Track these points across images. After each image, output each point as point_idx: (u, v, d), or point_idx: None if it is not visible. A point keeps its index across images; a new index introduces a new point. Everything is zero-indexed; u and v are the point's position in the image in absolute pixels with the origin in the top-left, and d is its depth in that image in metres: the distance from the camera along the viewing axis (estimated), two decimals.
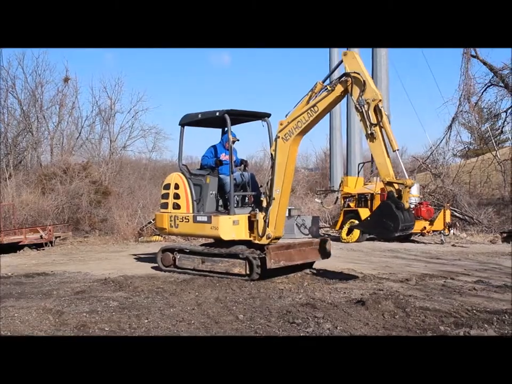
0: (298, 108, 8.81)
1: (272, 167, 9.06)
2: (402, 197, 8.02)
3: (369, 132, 8.23)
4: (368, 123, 8.21)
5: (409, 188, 8.23)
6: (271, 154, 9.09)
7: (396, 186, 8.15)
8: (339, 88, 8.49)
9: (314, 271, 9.94)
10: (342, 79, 8.46)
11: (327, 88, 8.58)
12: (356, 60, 8.50)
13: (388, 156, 8.31)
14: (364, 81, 8.26)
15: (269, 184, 9.09)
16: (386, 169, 8.25)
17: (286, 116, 8.88)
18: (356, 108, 8.35)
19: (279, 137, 8.89)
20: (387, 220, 8.09)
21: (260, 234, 9.13)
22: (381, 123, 8.19)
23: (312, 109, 8.62)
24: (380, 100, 8.27)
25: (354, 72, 8.34)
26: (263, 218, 9.09)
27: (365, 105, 8.20)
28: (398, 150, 8.31)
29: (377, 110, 8.23)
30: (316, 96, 8.67)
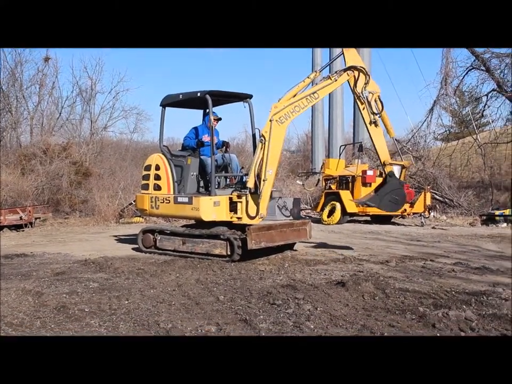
0: (291, 93, 9.30)
1: (264, 148, 9.11)
2: (400, 176, 9.49)
3: (372, 120, 9.56)
4: (371, 112, 9.53)
5: (407, 168, 9.55)
6: (262, 136, 9.15)
7: (390, 168, 9.69)
8: (343, 79, 9.57)
9: (295, 253, 9.97)
10: (348, 71, 9.53)
11: (329, 77, 9.51)
12: (357, 56, 9.70)
13: (384, 142, 9.75)
14: (368, 75, 9.58)
15: (256, 165, 9.15)
16: (386, 153, 9.88)
17: (279, 100, 9.22)
18: (359, 98, 9.55)
19: (273, 120, 9.08)
20: (394, 195, 9.61)
21: (252, 215, 9.22)
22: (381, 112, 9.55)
23: (312, 95, 9.37)
24: (379, 93, 9.59)
25: (360, 66, 9.55)
26: (258, 199, 9.16)
27: (368, 96, 9.48)
28: (394, 136, 10.04)
29: (377, 101, 9.57)
30: (313, 84, 9.57)
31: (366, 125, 9.76)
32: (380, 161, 10.03)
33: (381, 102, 9.61)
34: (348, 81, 9.66)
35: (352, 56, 9.64)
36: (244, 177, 9.82)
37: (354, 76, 9.57)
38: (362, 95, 9.50)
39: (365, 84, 9.52)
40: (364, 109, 9.60)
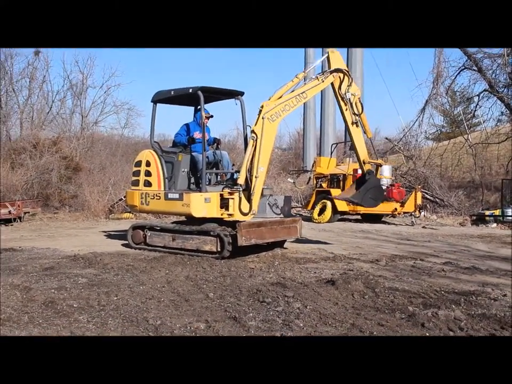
0: (280, 92, 9.55)
1: (256, 146, 9.18)
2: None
3: (354, 121, 10.20)
4: (353, 113, 10.17)
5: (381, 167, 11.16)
6: (254, 133, 9.21)
7: (369, 166, 10.44)
8: (329, 80, 10.06)
9: (285, 251, 9.99)
10: (334, 73, 10.08)
11: (316, 78, 9.94)
12: (341, 59, 10.35)
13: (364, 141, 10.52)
14: (351, 77, 10.26)
15: (248, 162, 9.20)
16: (365, 152, 10.50)
17: (270, 98, 9.45)
18: (342, 99, 10.15)
19: (265, 117, 9.21)
20: (375, 192, 10.34)
21: (245, 211, 9.26)
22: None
23: (301, 95, 9.70)
24: (360, 95, 10.29)
25: (345, 69, 10.17)
26: (250, 196, 9.21)
27: (351, 98, 10.12)
28: (371, 137, 10.88)
29: (357, 103, 10.23)
30: (300, 84, 9.82)
31: (347, 125, 10.36)
32: (359, 160, 10.51)
33: (361, 103, 10.30)
34: (333, 83, 10.17)
35: (337, 58, 10.23)
36: (235, 174, 9.83)
37: (339, 77, 10.14)
38: (346, 96, 10.12)
39: (348, 86, 10.14)
40: (346, 110, 10.22)
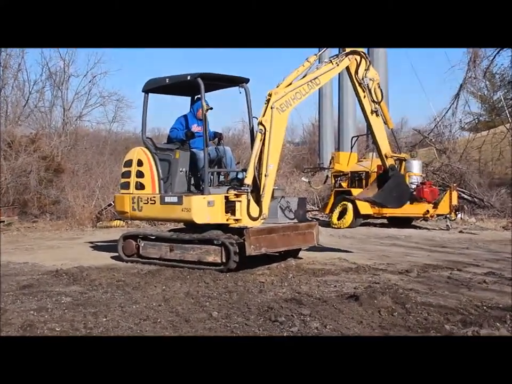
0: (290, 78, 9.56)
1: (264, 140, 9.14)
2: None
3: (373, 109, 10.27)
4: (371, 100, 10.25)
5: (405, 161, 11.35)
6: (262, 125, 9.17)
7: (391, 161, 10.50)
8: (344, 63, 10.08)
9: (300, 261, 9.93)
10: (349, 56, 10.06)
11: (330, 62, 9.96)
12: None
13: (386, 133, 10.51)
14: (369, 60, 10.34)
15: (256, 159, 9.16)
16: (388, 145, 10.54)
17: (278, 85, 9.43)
18: (360, 85, 10.25)
19: (273, 107, 9.16)
20: (399, 190, 10.35)
21: (254, 216, 9.19)
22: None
23: (313, 81, 9.71)
24: (378, 80, 10.41)
25: (361, 51, 10.18)
26: (260, 198, 9.15)
27: (369, 83, 10.23)
28: (393, 128, 10.87)
29: (377, 89, 10.34)
30: (313, 68, 9.86)
31: (366, 115, 10.45)
32: (381, 154, 10.56)
33: (381, 90, 10.46)
34: (348, 67, 10.23)
35: None
36: (241, 173, 9.84)
37: (356, 60, 10.20)
38: (363, 82, 10.25)
39: (365, 70, 10.27)
40: (364, 97, 10.30)
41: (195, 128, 10.00)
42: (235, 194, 9.23)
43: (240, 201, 9.18)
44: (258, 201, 9.20)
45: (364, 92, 10.28)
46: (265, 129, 9.15)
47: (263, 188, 9.13)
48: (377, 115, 10.37)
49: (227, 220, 9.36)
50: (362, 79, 10.21)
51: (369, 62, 10.35)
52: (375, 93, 10.31)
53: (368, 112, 10.32)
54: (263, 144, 9.16)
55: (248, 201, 9.15)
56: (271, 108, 9.16)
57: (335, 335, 5.28)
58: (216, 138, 10.36)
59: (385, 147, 10.53)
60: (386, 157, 10.51)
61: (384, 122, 10.53)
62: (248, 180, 9.16)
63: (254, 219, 9.22)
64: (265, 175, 9.11)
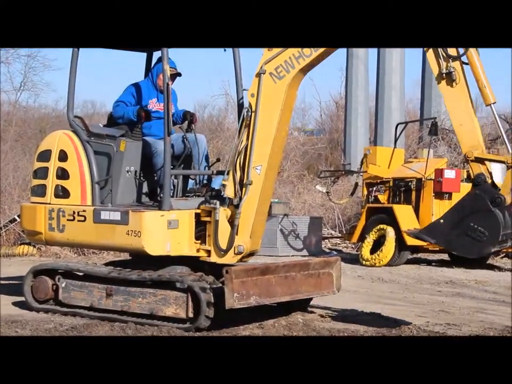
0: None
1: (249, 126, 7.37)
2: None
3: (443, 71, 6.64)
4: (440, 56, 6.69)
5: None
6: (249, 103, 7.36)
7: (477, 167, 6.85)
8: None
9: (311, 316, 8.01)
10: None
11: None
12: None
13: (475, 114, 6.77)
14: None
15: (240, 156, 7.51)
16: (474, 135, 6.81)
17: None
18: None
19: (264, 72, 7.15)
20: (475, 224, 6.51)
21: (223, 247, 7.41)
22: (464, 57, 6.59)
23: None
24: None
25: None
26: (231, 217, 7.48)
27: None
28: (494, 103, 6.65)
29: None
30: None
31: (438, 82, 6.86)
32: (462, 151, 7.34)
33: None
34: None
35: None
36: (220, 176, 8.07)
37: None
38: None
39: None
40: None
41: (153, 104, 8.15)
42: (209, 211, 7.51)
43: (216, 220, 7.44)
44: (232, 224, 7.41)
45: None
46: (251, 110, 7.28)
47: (239, 204, 7.39)
48: (450, 81, 6.69)
49: (197, 251, 7.65)
50: None
51: None
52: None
53: (437, 74, 6.80)
54: (249, 132, 7.39)
55: (216, 222, 7.39)
56: (260, 73, 7.14)
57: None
58: (186, 122, 8.47)
59: (466, 140, 6.90)
60: (467, 158, 6.91)
61: (482, 95, 6.87)
62: (229, 189, 7.41)
63: (222, 252, 7.50)
64: (246, 184, 7.36)
